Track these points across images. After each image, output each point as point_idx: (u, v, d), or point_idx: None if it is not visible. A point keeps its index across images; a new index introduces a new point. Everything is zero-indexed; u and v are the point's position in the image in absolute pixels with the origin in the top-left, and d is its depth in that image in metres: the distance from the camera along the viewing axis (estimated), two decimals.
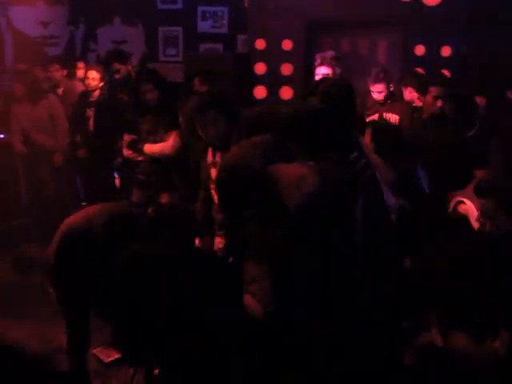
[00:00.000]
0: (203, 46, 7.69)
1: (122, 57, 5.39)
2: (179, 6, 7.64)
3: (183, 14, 7.64)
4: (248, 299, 2.24)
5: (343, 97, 3.02)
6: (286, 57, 6.16)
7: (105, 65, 5.36)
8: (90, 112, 5.32)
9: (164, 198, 4.50)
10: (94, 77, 5.26)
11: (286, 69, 6.13)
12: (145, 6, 7.55)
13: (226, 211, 2.58)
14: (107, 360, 3.77)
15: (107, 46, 7.57)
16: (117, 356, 3.82)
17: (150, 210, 3.01)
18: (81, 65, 6.17)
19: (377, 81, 4.62)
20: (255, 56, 6.23)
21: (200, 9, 7.69)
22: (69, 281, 3.07)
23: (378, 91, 4.63)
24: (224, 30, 7.77)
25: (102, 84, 5.31)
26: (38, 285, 4.78)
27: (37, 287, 4.81)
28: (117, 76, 5.16)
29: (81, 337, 3.27)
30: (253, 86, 6.18)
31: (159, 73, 4.66)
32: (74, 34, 7.72)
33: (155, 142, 4.45)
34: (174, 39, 7.73)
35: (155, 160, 4.46)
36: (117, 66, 5.16)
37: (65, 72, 6.03)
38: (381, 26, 6.06)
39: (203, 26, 7.72)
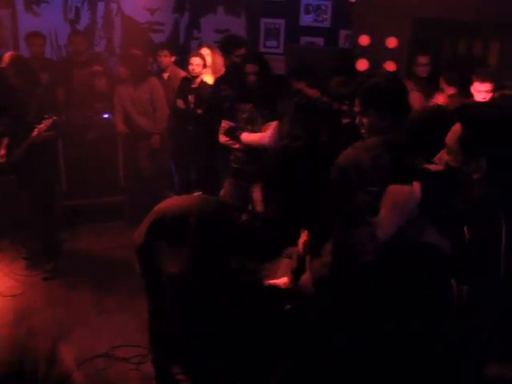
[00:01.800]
0: (304, 39, 7.65)
1: (242, 43, 5.39)
2: None
3: (286, 7, 7.63)
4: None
5: None
6: (390, 54, 5.99)
7: (224, 50, 5.32)
8: (191, 98, 5.39)
9: (256, 192, 4.52)
10: (197, 63, 5.32)
11: (389, 66, 5.95)
12: None
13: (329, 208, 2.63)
14: None
15: (210, 34, 7.69)
16: None
17: (244, 217, 3.00)
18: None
19: (485, 79, 4.42)
20: (358, 52, 6.10)
21: (304, 2, 7.65)
22: (154, 265, 3.13)
23: (485, 90, 4.42)
24: (326, 24, 7.69)
25: (204, 70, 5.38)
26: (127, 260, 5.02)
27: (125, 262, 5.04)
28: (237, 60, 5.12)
29: (162, 315, 3.34)
30: None
31: (264, 57, 4.62)
32: (179, 21, 7.88)
33: (253, 131, 4.45)
34: (275, 31, 7.73)
35: (251, 150, 4.46)
36: (238, 51, 5.13)
37: (173, 58, 6.15)
38: (493, 26, 5.77)
39: (306, 19, 7.67)
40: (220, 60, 5.69)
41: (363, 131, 2.69)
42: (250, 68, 4.37)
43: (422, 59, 5.46)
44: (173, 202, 3.32)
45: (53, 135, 4.66)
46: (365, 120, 2.66)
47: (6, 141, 4.83)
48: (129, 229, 5.55)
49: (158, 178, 6.02)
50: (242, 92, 4.53)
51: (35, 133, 4.51)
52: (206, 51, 5.61)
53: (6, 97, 4.75)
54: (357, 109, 2.71)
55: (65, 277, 4.87)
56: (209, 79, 5.57)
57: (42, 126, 4.49)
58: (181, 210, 3.12)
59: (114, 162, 5.99)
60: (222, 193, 4.84)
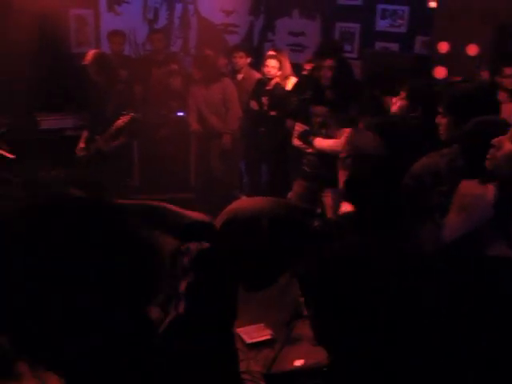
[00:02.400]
0: (378, 45, 7.52)
1: (337, 49, 5.34)
2: (359, 2, 7.54)
3: (362, 11, 7.53)
4: None
5: None
6: (470, 62, 5.79)
7: (317, 55, 5.27)
8: (265, 100, 5.42)
9: (327, 197, 4.48)
10: (273, 65, 5.33)
11: (439, 73, 5.76)
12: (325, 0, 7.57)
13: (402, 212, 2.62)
14: (248, 341, 3.83)
15: (284, 37, 7.72)
16: (259, 338, 3.87)
17: (315, 224, 2.97)
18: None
19: None
20: (436, 59, 5.95)
21: (380, 6, 7.52)
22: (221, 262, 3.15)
23: None
24: (402, 29, 7.53)
25: (279, 73, 5.39)
26: None
27: None
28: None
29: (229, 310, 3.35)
30: None
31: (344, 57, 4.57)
32: (254, 24, 7.94)
33: (326, 136, 4.41)
34: (350, 35, 7.65)
35: (324, 155, 4.42)
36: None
37: (248, 60, 6.19)
38: None
39: (381, 24, 7.54)
40: (287, 62, 5.70)
41: (441, 132, 2.68)
42: (328, 62, 4.32)
43: (509, 70, 5.24)
44: (244, 203, 3.33)
45: (131, 131, 4.78)
46: (444, 121, 2.65)
47: (85, 134, 5.02)
48: None
49: (228, 177, 6.08)
50: (317, 95, 4.50)
51: (114, 128, 4.62)
52: (274, 53, 5.64)
53: (88, 92, 4.93)
54: (440, 110, 2.71)
55: None
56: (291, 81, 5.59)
57: (120, 121, 4.60)
58: (253, 211, 3.12)
59: (186, 160, 6.08)
60: (290, 195, 4.82)
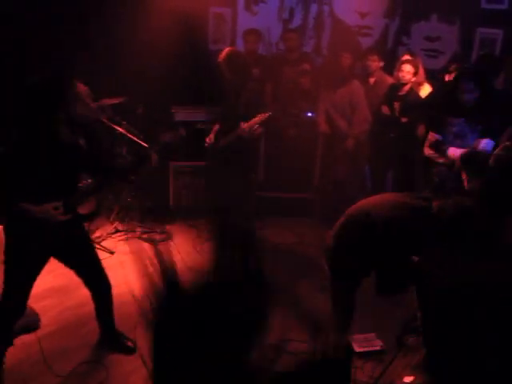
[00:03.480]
0: None
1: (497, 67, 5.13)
2: (505, 6, 7.09)
3: (508, 15, 7.08)
4: None
5: None
6: None
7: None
8: (397, 105, 5.28)
9: None
10: (408, 70, 5.18)
11: None
12: (467, 3, 7.18)
13: None
14: (358, 349, 3.77)
15: (419, 41, 7.46)
16: (369, 348, 3.80)
17: (434, 204, 2.84)
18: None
19: None
20: None
21: None
22: (342, 263, 3.12)
23: None
24: None
25: (414, 79, 5.23)
26: (310, 258, 5.10)
27: (308, 260, 5.12)
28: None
29: (344, 315, 3.31)
30: None
31: (484, 74, 4.36)
32: (389, 26, 7.76)
33: (462, 146, 4.22)
34: (491, 42, 7.23)
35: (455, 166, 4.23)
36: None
37: (381, 63, 6.08)
38: None
39: None
40: (422, 68, 5.52)
41: None
42: (465, 86, 4.16)
43: None
44: (361, 203, 3.26)
45: (263, 131, 4.85)
46: None
47: (216, 127, 5.18)
48: (316, 227, 5.72)
49: (351, 181, 6.01)
50: (453, 105, 4.32)
51: (246, 129, 4.68)
52: (409, 58, 5.46)
53: (221, 88, 5.08)
54: None
55: None
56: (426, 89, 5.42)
57: (257, 119, 4.66)
58: (368, 207, 3.06)
59: (312, 160, 6.08)
60: None
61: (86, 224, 3.83)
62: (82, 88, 3.01)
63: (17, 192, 2.88)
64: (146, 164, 3.28)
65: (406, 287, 3.05)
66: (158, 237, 5.54)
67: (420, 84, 5.50)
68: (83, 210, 3.21)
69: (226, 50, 4.97)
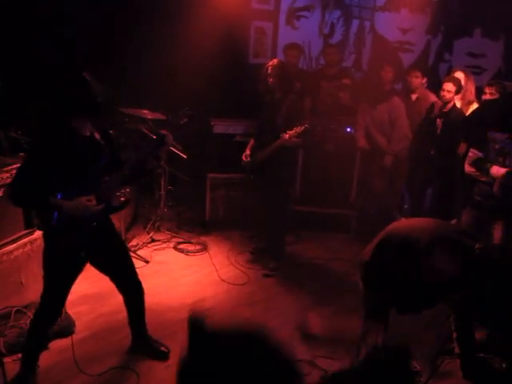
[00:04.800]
0: None
1: None
2: None
3: None
4: None
5: None
6: None
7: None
8: (439, 123, 5.19)
9: (497, 229, 4.18)
10: (449, 89, 5.08)
11: None
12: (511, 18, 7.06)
13: None
14: None
15: (462, 58, 7.35)
16: None
17: (477, 246, 2.77)
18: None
19: None
20: None
21: None
22: (376, 283, 3.06)
23: None
24: None
25: (457, 97, 5.13)
26: (345, 274, 5.04)
27: (343, 276, 5.06)
28: None
29: (374, 336, 3.25)
30: None
31: None
32: (431, 42, 7.68)
33: (504, 165, 4.10)
34: None
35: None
36: None
37: (424, 80, 6.01)
38: None
39: None
40: (472, 87, 5.41)
41: None
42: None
43: None
44: (405, 224, 3.22)
45: (301, 142, 4.84)
46: None
47: (252, 141, 5.19)
48: (352, 243, 5.68)
49: (388, 197, 5.93)
50: (497, 120, 4.22)
51: (286, 137, 4.70)
52: (460, 75, 5.35)
53: (260, 100, 5.09)
54: None
55: (284, 278, 5.05)
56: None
57: (292, 131, 4.66)
58: (411, 231, 3.00)
59: (349, 175, 6.03)
60: (453, 222, 4.56)
61: (121, 229, 3.89)
62: (87, 75, 3.04)
63: (49, 190, 2.93)
64: (163, 145, 3.30)
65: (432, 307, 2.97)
66: (193, 247, 5.57)
67: (470, 103, 5.38)
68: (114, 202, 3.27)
69: (277, 59, 4.99)
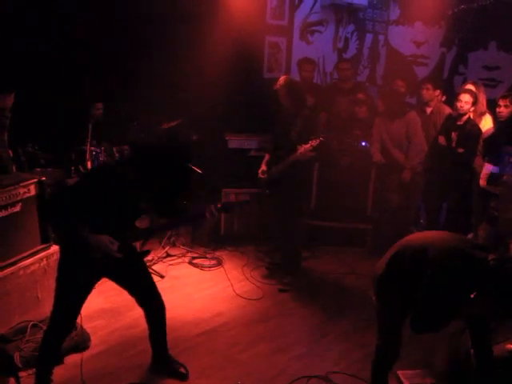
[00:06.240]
0: None
1: None
2: None
3: None
4: None
5: None
6: None
7: None
8: (454, 136, 5.16)
9: None
10: (466, 100, 5.05)
11: None
12: None
13: None
14: None
15: (477, 70, 7.32)
16: None
17: (490, 257, 2.73)
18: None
19: None
20: None
21: None
22: (390, 297, 3.03)
23: None
24: None
25: (472, 109, 5.10)
26: (361, 289, 5.00)
27: (359, 291, 5.02)
28: None
29: (389, 351, 3.21)
30: None
31: None
32: (445, 55, 7.67)
33: None
34: None
35: None
36: None
37: (436, 92, 5.99)
38: None
39: None
40: (483, 98, 5.38)
41: None
42: None
43: None
44: (418, 236, 3.19)
45: (315, 156, 4.84)
46: None
47: (267, 157, 5.20)
48: (368, 258, 5.64)
49: (404, 212, 5.89)
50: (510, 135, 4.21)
51: (301, 151, 4.71)
52: (471, 87, 5.33)
53: (275, 116, 5.12)
54: None
55: (299, 292, 5.03)
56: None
57: (307, 145, 4.67)
58: (424, 244, 2.98)
59: (365, 189, 5.99)
60: (470, 236, 4.52)
61: (137, 244, 3.92)
62: None
63: (81, 222, 2.97)
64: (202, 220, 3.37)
65: (446, 325, 2.93)
66: (208, 262, 5.57)
67: (482, 114, 5.35)
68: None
69: (284, 77, 5.02)
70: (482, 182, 4.31)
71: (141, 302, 3.48)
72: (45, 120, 5.01)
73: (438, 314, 2.83)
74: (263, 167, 5.15)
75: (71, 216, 2.91)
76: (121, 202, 3.02)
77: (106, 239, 2.98)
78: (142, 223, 3.42)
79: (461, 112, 5.09)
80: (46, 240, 4.13)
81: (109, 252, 3.00)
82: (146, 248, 3.43)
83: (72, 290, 3.13)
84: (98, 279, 3.25)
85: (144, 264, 3.55)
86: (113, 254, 3.02)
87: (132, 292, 3.43)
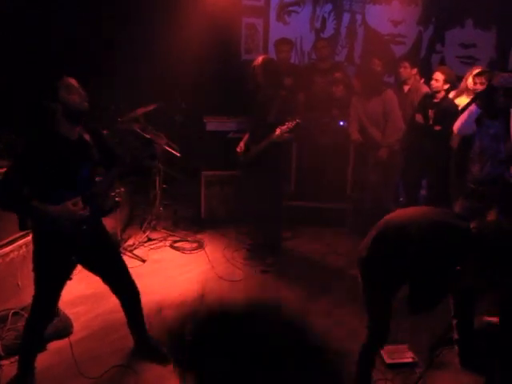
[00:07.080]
0: None
1: None
2: None
3: None
4: None
5: None
6: None
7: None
8: (431, 113, 5.19)
9: (491, 216, 4.20)
10: (438, 78, 5.08)
11: None
12: (504, 8, 7.06)
13: None
14: (389, 361, 3.69)
15: (453, 48, 7.36)
16: (400, 360, 3.72)
17: (472, 226, 2.77)
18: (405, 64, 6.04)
19: None
20: None
21: None
22: (376, 277, 3.06)
23: None
24: None
25: (446, 86, 5.13)
26: (341, 268, 5.05)
27: (340, 270, 5.07)
28: None
29: (380, 331, 3.24)
30: None
31: None
32: (422, 34, 7.68)
33: (498, 148, 4.12)
34: None
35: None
36: None
37: (414, 71, 6.00)
38: None
39: None
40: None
41: None
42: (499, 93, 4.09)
43: None
44: (399, 214, 3.21)
45: (292, 137, 4.85)
46: None
47: (247, 136, 5.20)
48: (349, 236, 5.68)
49: (383, 190, 5.93)
50: (490, 108, 4.24)
51: (277, 133, 4.71)
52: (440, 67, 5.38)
53: (253, 97, 5.10)
54: None
55: (280, 273, 5.06)
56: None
57: (284, 127, 4.68)
58: (406, 221, 3.00)
59: (344, 169, 6.02)
60: None
61: (117, 228, 3.89)
62: (72, 81, 3.05)
63: (34, 194, 2.94)
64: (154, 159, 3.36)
65: (440, 302, 2.97)
66: (189, 246, 5.57)
67: (462, 92, 5.37)
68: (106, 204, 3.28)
69: (262, 56, 5.00)
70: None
71: (114, 289, 3.48)
72: (22, 109, 4.95)
73: (431, 292, 2.86)
74: (241, 146, 5.16)
75: (18, 195, 2.89)
76: (58, 161, 2.98)
77: (67, 204, 2.97)
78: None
79: (432, 89, 5.13)
80: (24, 227, 4.09)
81: (75, 214, 2.99)
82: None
83: (50, 275, 3.12)
84: (72, 265, 3.24)
85: (116, 252, 3.54)
86: (80, 215, 3.01)
87: (105, 278, 3.43)
